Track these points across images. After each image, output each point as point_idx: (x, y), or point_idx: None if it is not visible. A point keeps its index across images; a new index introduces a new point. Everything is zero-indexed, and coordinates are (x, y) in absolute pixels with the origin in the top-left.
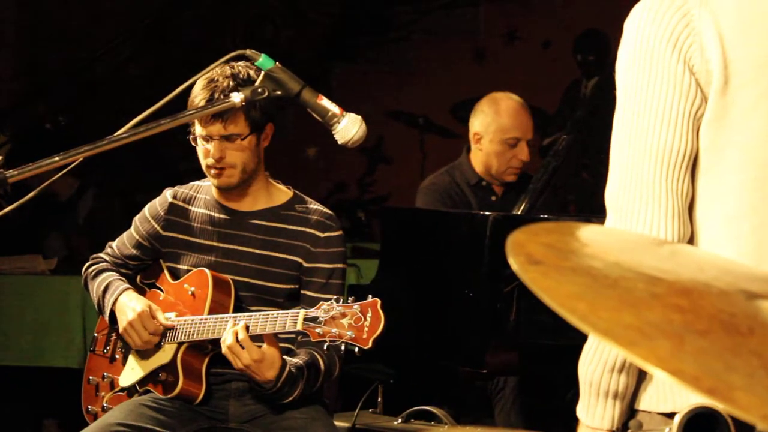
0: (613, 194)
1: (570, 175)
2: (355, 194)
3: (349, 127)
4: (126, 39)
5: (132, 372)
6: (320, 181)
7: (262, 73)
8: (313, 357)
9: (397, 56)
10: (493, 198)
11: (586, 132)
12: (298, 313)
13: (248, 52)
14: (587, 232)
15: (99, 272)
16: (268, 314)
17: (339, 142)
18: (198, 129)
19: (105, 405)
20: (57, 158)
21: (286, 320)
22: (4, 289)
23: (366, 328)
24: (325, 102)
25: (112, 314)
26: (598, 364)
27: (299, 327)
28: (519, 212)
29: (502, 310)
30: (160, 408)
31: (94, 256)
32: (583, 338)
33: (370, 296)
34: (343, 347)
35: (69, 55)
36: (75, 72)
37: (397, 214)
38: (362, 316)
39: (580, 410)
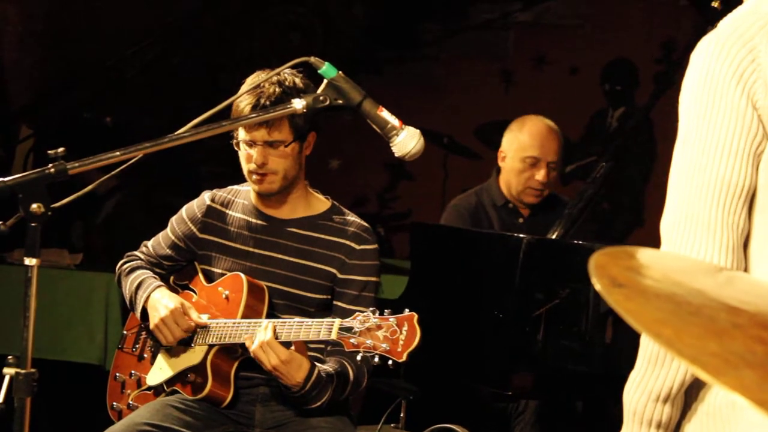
0: (669, 225)
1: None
2: (375, 209)
3: (407, 141)
4: (155, 39)
5: (160, 371)
6: (341, 193)
7: (325, 81)
8: (343, 366)
9: (424, 73)
10: (520, 220)
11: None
12: (333, 322)
13: (312, 59)
14: (658, 257)
15: (133, 269)
16: (303, 321)
17: (396, 155)
18: (241, 134)
19: (131, 403)
20: (118, 153)
21: (321, 329)
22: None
23: (401, 342)
24: (385, 114)
25: (144, 311)
26: (643, 393)
27: (334, 336)
28: (554, 237)
29: (529, 334)
30: (187, 409)
31: (129, 253)
32: (607, 368)
33: (407, 310)
34: (376, 359)
35: (98, 52)
36: (104, 69)
37: (429, 231)
38: (398, 329)
39: None
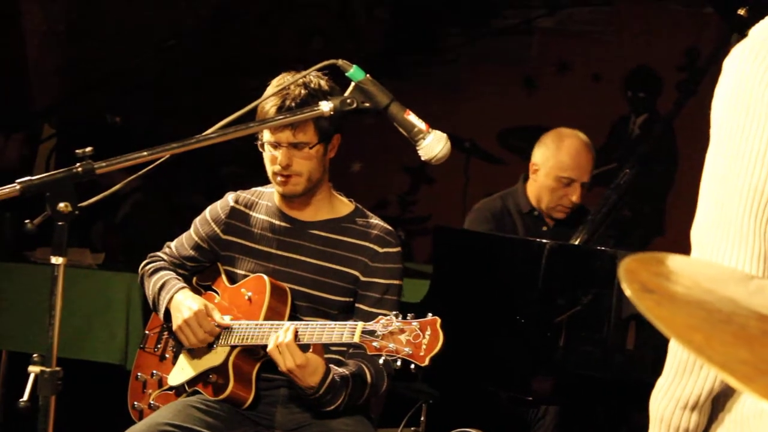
0: (700, 231)
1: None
2: (395, 212)
3: (433, 144)
4: (177, 42)
5: (182, 371)
6: (362, 196)
7: (352, 83)
8: (361, 369)
9: (446, 78)
10: (544, 228)
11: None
12: (356, 325)
13: (340, 62)
14: (688, 264)
15: (156, 270)
16: (326, 324)
17: (422, 158)
18: (266, 135)
19: (152, 402)
20: (145, 153)
21: (344, 332)
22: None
23: (424, 346)
24: (412, 117)
25: (167, 312)
26: (671, 400)
27: (356, 339)
28: (577, 243)
29: (551, 339)
30: (208, 410)
31: (152, 254)
32: (628, 374)
33: (430, 314)
34: (398, 363)
35: (119, 54)
36: (124, 71)
37: (452, 235)
38: (421, 333)
39: None
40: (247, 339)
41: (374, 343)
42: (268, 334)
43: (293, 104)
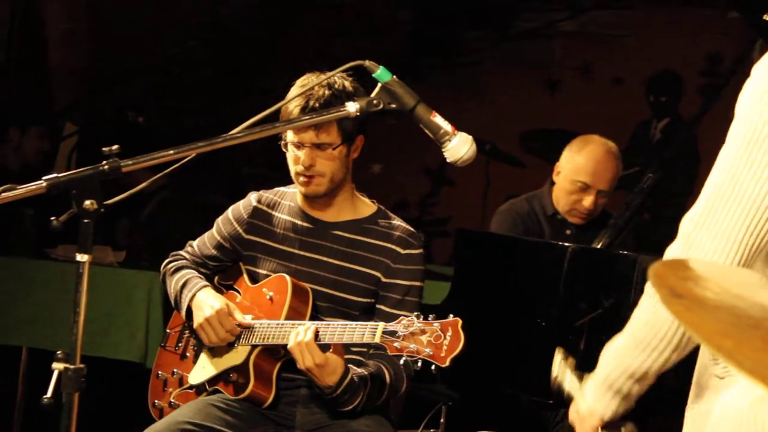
0: (691, 222)
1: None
2: (415, 214)
3: (459, 146)
4: (199, 42)
5: (203, 370)
6: (382, 198)
7: (379, 84)
8: (380, 370)
9: (468, 81)
10: (568, 232)
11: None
12: (377, 325)
13: (367, 63)
14: (715, 269)
15: (178, 269)
16: (347, 324)
17: (448, 160)
18: (290, 135)
19: (172, 401)
20: (171, 152)
21: (365, 332)
22: (71, 277)
23: (445, 347)
24: (438, 119)
25: (189, 310)
26: (620, 367)
27: (377, 340)
28: (599, 246)
29: (572, 343)
30: (229, 409)
31: (174, 253)
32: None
33: (451, 315)
34: (419, 364)
35: (141, 54)
36: (146, 70)
37: (473, 238)
38: (442, 334)
39: (589, 389)
40: (267, 338)
41: (395, 344)
42: (288, 334)
43: (317, 105)
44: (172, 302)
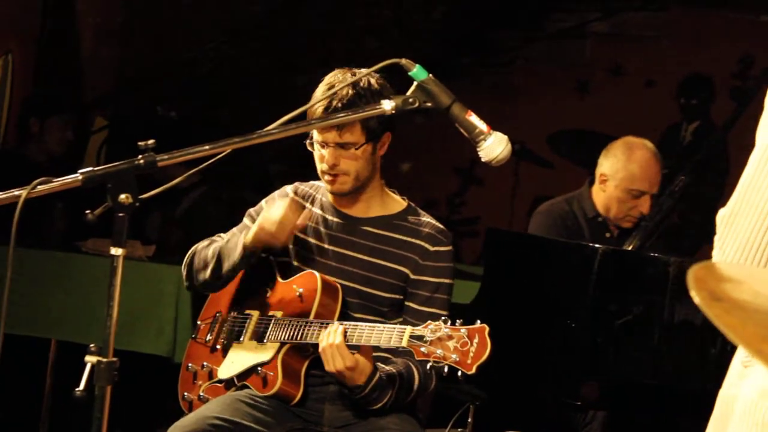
0: (720, 221)
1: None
2: (444, 213)
3: (494, 146)
4: (230, 39)
5: (232, 365)
6: (410, 196)
7: (414, 83)
8: (409, 368)
9: (498, 80)
10: (607, 235)
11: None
12: (404, 329)
13: (404, 61)
14: (754, 273)
15: (212, 242)
16: (375, 326)
17: (483, 160)
18: (315, 134)
19: (201, 394)
20: (207, 147)
21: (392, 335)
22: (101, 271)
23: (471, 353)
24: (473, 118)
25: (244, 251)
26: None
27: (404, 344)
28: (630, 248)
29: (601, 345)
30: (256, 405)
31: (204, 240)
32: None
33: (478, 321)
34: (445, 369)
35: (174, 47)
36: (178, 66)
37: (504, 238)
38: (469, 341)
39: None
40: (296, 336)
41: (422, 348)
42: (317, 333)
43: (339, 105)
44: (211, 264)
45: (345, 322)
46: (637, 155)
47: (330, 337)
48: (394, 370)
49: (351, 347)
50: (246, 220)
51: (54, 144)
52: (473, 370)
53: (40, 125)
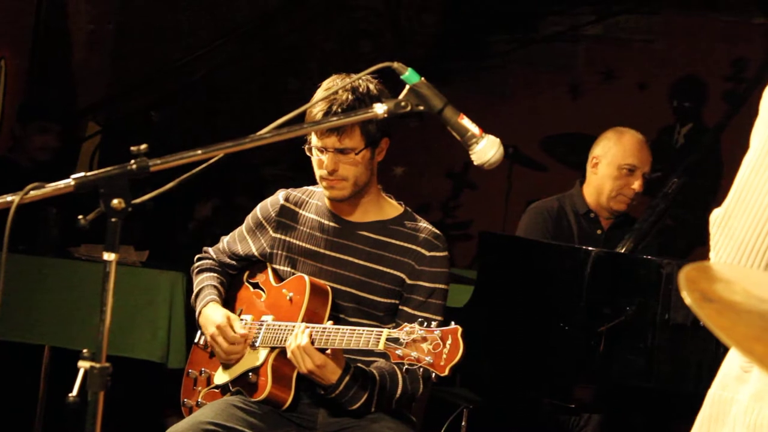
0: (714, 222)
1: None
2: (437, 217)
3: (486, 149)
4: (224, 42)
5: (226, 371)
6: (404, 200)
7: (407, 86)
8: (393, 370)
9: (491, 83)
10: (598, 231)
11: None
12: (381, 332)
13: (396, 64)
14: (745, 273)
15: (201, 271)
16: (354, 330)
17: (475, 163)
18: (314, 139)
19: (199, 400)
20: (199, 151)
21: (370, 338)
22: (94, 276)
23: (444, 355)
24: (465, 122)
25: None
26: None
27: (381, 347)
28: (623, 251)
29: (594, 347)
30: (250, 410)
31: (205, 249)
32: (671, 385)
33: (453, 323)
34: (421, 371)
35: (167, 52)
36: (171, 70)
37: (498, 241)
38: (441, 343)
39: None
40: (284, 341)
41: (398, 351)
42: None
43: (339, 110)
44: (193, 296)
45: (315, 325)
46: (627, 135)
47: (297, 339)
48: (374, 371)
49: (321, 349)
50: (245, 232)
51: (35, 150)
52: (446, 372)
53: (22, 131)
